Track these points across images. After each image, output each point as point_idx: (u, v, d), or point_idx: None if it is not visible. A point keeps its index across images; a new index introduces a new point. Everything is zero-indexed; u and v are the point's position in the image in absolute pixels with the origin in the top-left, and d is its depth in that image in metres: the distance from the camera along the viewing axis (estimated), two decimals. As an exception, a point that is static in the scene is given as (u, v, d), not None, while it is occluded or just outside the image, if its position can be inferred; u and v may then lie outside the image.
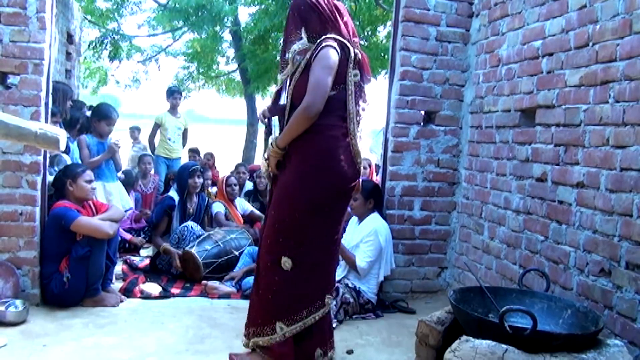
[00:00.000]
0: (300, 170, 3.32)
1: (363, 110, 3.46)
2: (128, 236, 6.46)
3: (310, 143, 3.29)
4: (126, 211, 6.24)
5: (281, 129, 3.42)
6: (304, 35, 3.41)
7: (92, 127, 6.09)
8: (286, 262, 3.30)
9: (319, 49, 3.25)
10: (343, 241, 4.37)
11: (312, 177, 3.29)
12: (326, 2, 3.39)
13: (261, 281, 3.43)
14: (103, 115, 6.08)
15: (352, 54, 3.32)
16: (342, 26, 3.38)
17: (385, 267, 4.69)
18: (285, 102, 3.42)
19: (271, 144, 3.39)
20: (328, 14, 3.36)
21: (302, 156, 3.31)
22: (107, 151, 5.95)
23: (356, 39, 3.45)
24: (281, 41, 3.98)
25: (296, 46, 3.40)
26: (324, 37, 3.30)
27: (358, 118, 3.41)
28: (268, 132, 3.63)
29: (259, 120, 3.80)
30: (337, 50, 3.26)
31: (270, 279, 3.37)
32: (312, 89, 3.19)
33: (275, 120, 3.55)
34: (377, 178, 7.61)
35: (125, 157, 9.80)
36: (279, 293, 3.33)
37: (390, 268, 4.77)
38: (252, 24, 12.94)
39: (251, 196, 7.61)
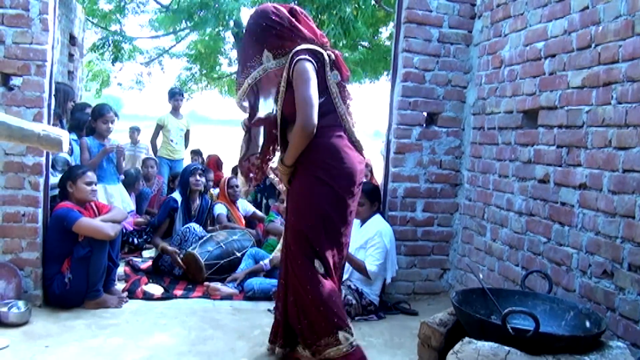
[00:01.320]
0: (311, 175, 3.37)
1: (348, 106, 3.49)
2: (130, 227, 6.42)
3: (315, 149, 3.34)
4: (128, 213, 6.24)
5: (264, 137, 3.71)
6: (266, 56, 3.44)
7: (94, 129, 6.10)
8: (319, 266, 3.33)
9: (293, 64, 3.29)
10: None
11: (324, 179, 3.33)
12: (280, 16, 3.38)
13: (303, 293, 3.34)
14: (97, 114, 6.09)
15: (326, 57, 3.37)
16: (305, 30, 3.40)
17: (391, 268, 4.69)
18: (274, 114, 3.55)
19: (279, 161, 3.49)
20: (287, 27, 3.37)
21: (308, 162, 3.36)
22: (101, 151, 5.91)
23: (325, 39, 3.47)
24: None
25: (259, 71, 3.44)
26: (294, 50, 3.32)
27: (349, 115, 3.46)
28: (248, 139, 3.80)
29: (242, 128, 3.83)
30: (311, 61, 3.30)
31: (314, 287, 3.30)
32: (301, 108, 3.24)
33: (259, 129, 3.78)
34: (374, 179, 7.63)
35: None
36: (327, 301, 3.29)
37: (395, 269, 4.77)
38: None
39: (265, 193, 7.67)
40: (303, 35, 3.38)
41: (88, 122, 6.16)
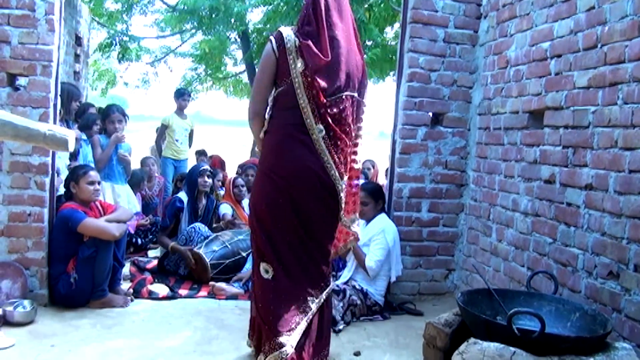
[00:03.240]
0: (257, 173, 3.38)
1: (324, 101, 3.17)
2: (132, 229, 6.42)
3: (265, 144, 3.31)
4: (134, 215, 6.25)
5: None
6: None
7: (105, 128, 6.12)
8: (265, 269, 3.25)
9: None
10: None
11: (263, 177, 3.29)
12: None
13: (254, 290, 3.39)
14: (105, 113, 6.13)
15: (287, 42, 3.18)
16: (302, 13, 3.29)
17: (395, 267, 4.68)
18: None
19: None
20: (310, 10, 3.24)
21: (260, 160, 3.36)
22: (112, 140, 5.91)
23: (307, 27, 3.22)
24: None
25: None
26: None
27: (321, 111, 3.17)
28: None
29: None
30: (271, 43, 3.21)
31: (257, 290, 3.32)
32: (251, 91, 3.24)
33: None
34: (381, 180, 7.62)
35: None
36: (268, 304, 3.23)
37: (400, 269, 4.76)
38: (262, 25, 12.95)
39: None
40: (300, 16, 3.30)
41: (98, 121, 6.17)
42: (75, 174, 4.60)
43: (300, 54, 3.16)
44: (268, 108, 3.32)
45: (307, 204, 3.24)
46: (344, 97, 3.24)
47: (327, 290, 3.38)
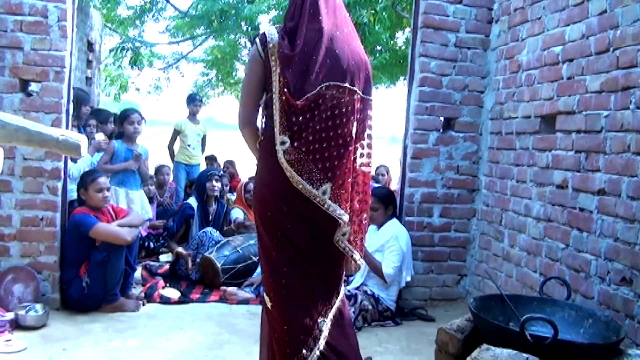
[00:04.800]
0: (256, 188, 3.01)
1: (299, 107, 2.73)
2: (144, 232, 6.44)
3: (259, 154, 2.95)
4: (147, 221, 6.27)
5: None
6: None
7: (122, 133, 6.14)
8: (267, 300, 2.91)
9: None
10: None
11: (256, 195, 2.98)
12: None
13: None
14: (123, 116, 6.16)
15: (272, 44, 2.75)
16: (292, 9, 2.88)
17: (407, 272, 4.67)
18: None
19: None
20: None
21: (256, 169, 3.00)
22: (123, 165, 5.92)
23: (290, 23, 2.83)
24: None
25: None
26: None
27: (292, 118, 2.75)
28: None
29: None
30: (257, 46, 2.80)
31: (265, 320, 3.04)
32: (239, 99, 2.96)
33: None
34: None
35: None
36: (272, 336, 2.94)
37: (410, 274, 4.75)
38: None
39: None
40: (286, 11, 2.91)
41: (93, 121, 6.21)
42: (84, 181, 4.62)
43: (278, 54, 2.76)
44: (259, 116, 2.95)
45: (296, 219, 2.84)
46: (324, 89, 2.75)
47: (337, 303, 2.98)
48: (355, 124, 2.86)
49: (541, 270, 4.04)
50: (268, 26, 2.90)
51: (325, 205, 2.76)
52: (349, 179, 2.85)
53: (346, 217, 2.81)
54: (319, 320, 2.87)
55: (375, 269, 4.56)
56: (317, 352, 2.83)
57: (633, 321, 3.13)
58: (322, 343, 2.85)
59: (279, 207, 2.80)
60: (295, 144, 2.74)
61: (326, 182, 2.76)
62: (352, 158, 2.87)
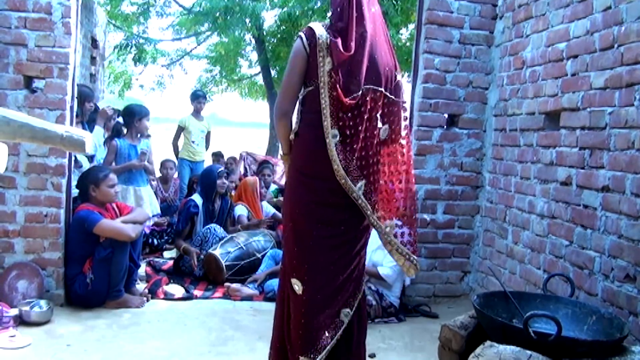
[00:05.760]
0: (289, 178, 3.15)
1: (348, 106, 2.90)
2: (148, 230, 6.44)
3: (295, 149, 3.07)
4: (153, 216, 6.28)
5: None
6: None
7: (130, 130, 6.11)
8: (296, 285, 2.99)
9: None
10: None
11: (294, 185, 3.06)
12: None
13: (290, 306, 3.08)
14: (135, 114, 6.06)
15: (318, 39, 2.89)
16: (333, 9, 3.01)
17: None
18: None
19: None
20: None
21: (291, 163, 3.11)
22: (130, 163, 5.91)
23: (340, 23, 2.95)
24: None
25: None
26: None
27: (339, 114, 2.91)
28: None
29: None
30: (302, 39, 2.93)
31: (290, 304, 3.06)
32: (279, 90, 3.09)
33: None
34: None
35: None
36: (297, 321, 2.99)
37: None
38: (275, 27, 12.99)
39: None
40: (332, 11, 3.01)
41: (115, 125, 6.20)
42: (96, 177, 4.62)
43: (329, 52, 2.91)
44: (296, 109, 3.09)
45: (337, 210, 3.00)
46: (365, 91, 2.94)
47: (359, 296, 3.12)
48: (387, 126, 3.06)
49: (545, 267, 4.04)
50: (313, 23, 2.95)
51: (359, 201, 2.95)
52: (380, 180, 3.07)
53: (369, 212, 2.99)
54: (344, 310, 3.02)
55: (373, 276, 4.55)
56: (335, 340, 2.98)
57: (637, 318, 3.12)
58: (338, 335, 2.99)
59: (317, 195, 2.97)
60: (341, 139, 2.92)
61: (361, 179, 2.96)
62: (379, 159, 3.06)
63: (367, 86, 2.95)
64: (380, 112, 3.02)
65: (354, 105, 2.92)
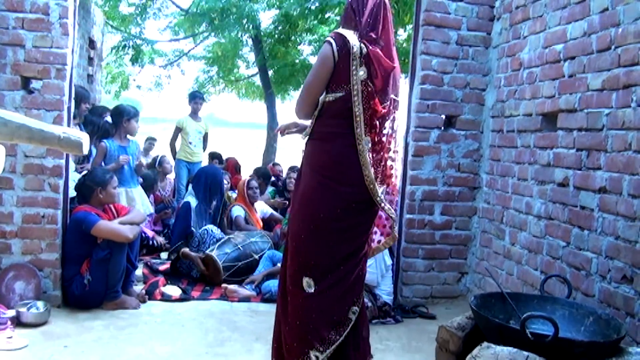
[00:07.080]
0: (310, 181, 3.11)
1: (381, 114, 3.01)
2: (150, 233, 6.47)
3: (319, 154, 3.10)
4: (147, 216, 6.27)
5: None
6: None
7: (118, 130, 6.09)
8: (307, 283, 3.05)
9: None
10: None
11: (318, 189, 3.06)
12: None
13: (289, 304, 3.14)
14: (126, 114, 6.07)
15: (352, 47, 2.93)
16: (366, 20, 3.03)
17: (383, 259, 4.57)
18: None
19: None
20: (354, 7, 3.06)
21: (311, 166, 3.11)
22: (114, 165, 5.84)
23: (372, 33, 3.01)
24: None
25: None
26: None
27: (374, 122, 3.01)
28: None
29: None
30: (332, 45, 2.96)
31: (294, 302, 3.09)
32: (300, 92, 3.15)
33: None
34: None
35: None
36: (305, 318, 3.03)
37: (388, 254, 4.67)
38: (273, 28, 12.99)
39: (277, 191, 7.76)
40: (359, 22, 3.03)
41: (105, 125, 6.18)
42: (103, 179, 4.64)
43: (364, 61, 2.96)
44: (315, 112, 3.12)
45: (355, 214, 3.08)
46: (391, 100, 3.09)
47: (362, 295, 3.23)
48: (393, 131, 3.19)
49: (542, 268, 4.05)
50: (342, 30, 3.00)
51: (382, 204, 3.09)
52: (395, 182, 3.22)
53: (393, 214, 3.21)
54: (353, 308, 3.11)
55: None
56: (342, 338, 3.06)
57: (634, 319, 3.13)
58: (345, 332, 3.08)
59: (342, 201, 3.04)
60: (377, 146, 3.05)
61: (382, 185, 3.10)
62: (391, 165, 3.19)
63: (392, 96, 3.10)
64: (392, 116, 3.15)
65: (387, 113, 3.07)
